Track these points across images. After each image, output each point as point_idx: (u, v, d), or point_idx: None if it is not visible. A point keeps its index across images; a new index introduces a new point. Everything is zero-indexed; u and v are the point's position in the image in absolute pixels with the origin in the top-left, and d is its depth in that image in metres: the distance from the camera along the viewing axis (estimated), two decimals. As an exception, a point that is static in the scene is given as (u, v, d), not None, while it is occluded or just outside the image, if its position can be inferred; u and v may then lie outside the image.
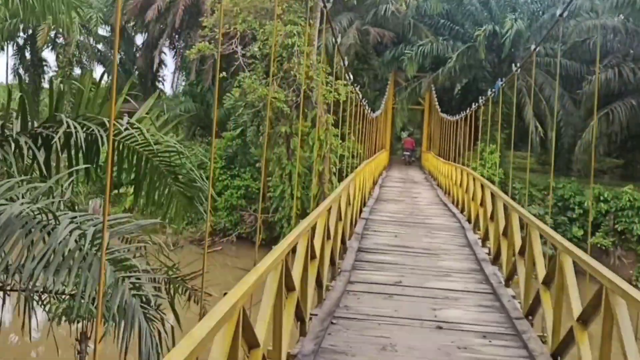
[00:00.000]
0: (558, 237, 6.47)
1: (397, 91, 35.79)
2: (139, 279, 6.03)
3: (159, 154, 7.50)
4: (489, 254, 10.91)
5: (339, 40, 34.63)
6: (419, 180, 26.97)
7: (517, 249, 8.46)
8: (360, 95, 25.43)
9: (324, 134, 27.82)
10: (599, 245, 26.18)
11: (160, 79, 50.67)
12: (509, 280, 8.81)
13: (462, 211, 15.99)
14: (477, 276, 9.57)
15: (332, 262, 8.87)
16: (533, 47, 31.97)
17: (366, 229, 13.09)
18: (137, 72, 48.48)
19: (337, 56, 34.50)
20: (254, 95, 26.40)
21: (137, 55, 47.70)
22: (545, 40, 32.94)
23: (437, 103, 29.62)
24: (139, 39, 49.07)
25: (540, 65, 31.36)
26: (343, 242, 10.19)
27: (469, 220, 14.49)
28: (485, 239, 12.01)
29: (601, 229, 26.67)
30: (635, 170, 32.93)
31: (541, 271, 7.03)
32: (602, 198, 26.90)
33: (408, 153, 40.18)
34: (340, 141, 30.78)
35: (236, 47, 25.57)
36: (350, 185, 12.15)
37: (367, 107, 24.30)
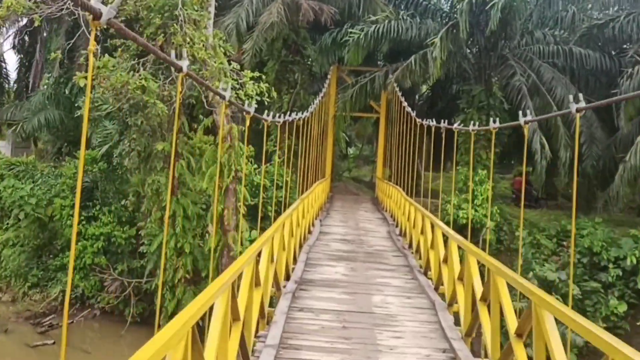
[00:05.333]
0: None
1: (340, 91, 25.93)
2: None
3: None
4: None
5: (261, 18, 24.68)
6: (383, 248, 14.42)
7: None
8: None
9: (227, 153, 17.67)
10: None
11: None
12: None
13: None
14: None
15: None
16: (532, 31, 22.60)
17: None
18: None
19: (249, 42, 24.39)
20: (113, 86, 16.01)
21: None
22: (547, 22, 23.85)
23: (406, 105, 19.73)
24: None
25: (543, 55, 22.14)
26: None
27: None
28: None
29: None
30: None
31: None
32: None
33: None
34: (253, 165, 20.80)
35: (69, 6, 15.05)
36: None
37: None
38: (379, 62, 25.99)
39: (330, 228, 17.10)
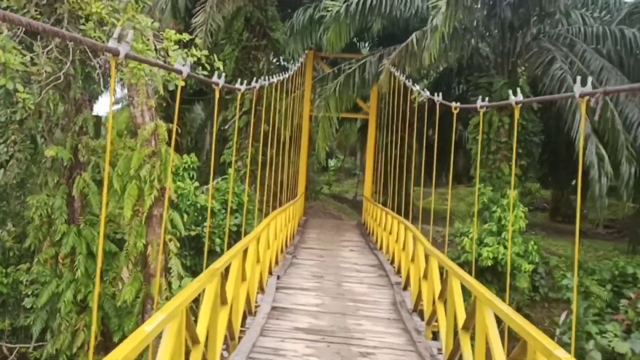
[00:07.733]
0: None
1: (317, 83, 20.42)
2: None
3: None
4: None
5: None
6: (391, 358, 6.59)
7: None
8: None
9: (149, 163, 12.12)
10: None
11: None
12: None
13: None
14: None
15: None
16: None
17: None
18: None
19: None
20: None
21: None
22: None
23: (414, 87, 13.87)
24: None
25: (586, 38, 16.92)
26: None
27: None
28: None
29: None
30: None
31: None
32: None
33: None
34: (194, 181, 15.28)
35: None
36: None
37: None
38: (364, 48, 20.61)
39: (292, 296, 9.47)
